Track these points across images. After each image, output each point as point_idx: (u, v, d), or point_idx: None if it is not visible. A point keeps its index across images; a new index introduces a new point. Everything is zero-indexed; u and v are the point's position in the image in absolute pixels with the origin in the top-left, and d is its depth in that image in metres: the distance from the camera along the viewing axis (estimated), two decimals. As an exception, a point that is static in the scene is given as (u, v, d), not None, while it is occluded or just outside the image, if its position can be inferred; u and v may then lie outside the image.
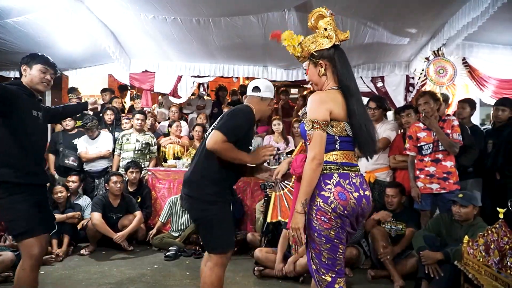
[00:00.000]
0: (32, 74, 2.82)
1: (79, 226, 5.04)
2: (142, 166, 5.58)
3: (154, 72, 6.85)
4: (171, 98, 7.06)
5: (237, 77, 7.50)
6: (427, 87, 6.26)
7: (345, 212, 2.04)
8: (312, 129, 2.04)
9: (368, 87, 6.69)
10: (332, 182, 2.05)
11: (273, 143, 5.84)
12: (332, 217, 2.04)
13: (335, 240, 2.07)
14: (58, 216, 4.70)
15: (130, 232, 4.88)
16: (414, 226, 4.17)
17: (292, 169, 2.29)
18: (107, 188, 5.04)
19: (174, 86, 6.84)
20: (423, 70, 5.88)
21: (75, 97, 6.64)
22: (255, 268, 4.06)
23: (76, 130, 5.85)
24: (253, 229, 5.04)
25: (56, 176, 5.72)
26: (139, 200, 5.25)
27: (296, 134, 6.05)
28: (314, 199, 2.07)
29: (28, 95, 2.83)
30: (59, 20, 5.23)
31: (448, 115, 4.51)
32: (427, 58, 5.76)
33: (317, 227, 2.07)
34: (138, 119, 5.72)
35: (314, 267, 2.15)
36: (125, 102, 7.42)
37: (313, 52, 2.17)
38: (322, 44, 2.15)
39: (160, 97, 7.86)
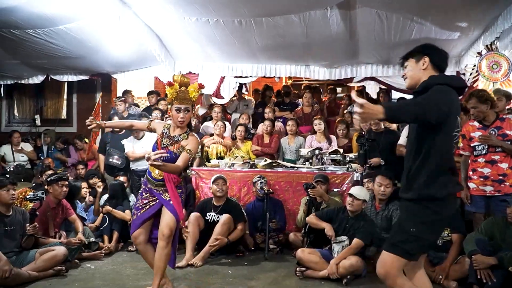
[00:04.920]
0: None
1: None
2: (186, 165, 5.68)
3: (198, 74, 6.97)
4: (214, 99, 7.16)
5: (279, 77, 7.48)
6: (480, 84, 5.97)
7: None
8: None
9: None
10: None
11: (315, 143, 5.77)
12: None
13: None
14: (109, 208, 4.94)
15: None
16: (459, 230, 3.87)
17: None
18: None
19: (217, 87, 6.94)
20: (475, 65, 5.60)
21: (118, 101, 6.89)
22: (297, 269, 4.03)
23: (124, 131, 6.05)
24: (295, 229, 5.00)
25: (107, 175, 5.96)
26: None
27: (340, 134, 5.94)
28: None
29: None
30: (108, 25, 5.47)
31: (509, 112, 4.22)
32: (479, 53, 5.47)
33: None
34: (181, 120, 5.82)
35: None
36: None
37: None
38: None
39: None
